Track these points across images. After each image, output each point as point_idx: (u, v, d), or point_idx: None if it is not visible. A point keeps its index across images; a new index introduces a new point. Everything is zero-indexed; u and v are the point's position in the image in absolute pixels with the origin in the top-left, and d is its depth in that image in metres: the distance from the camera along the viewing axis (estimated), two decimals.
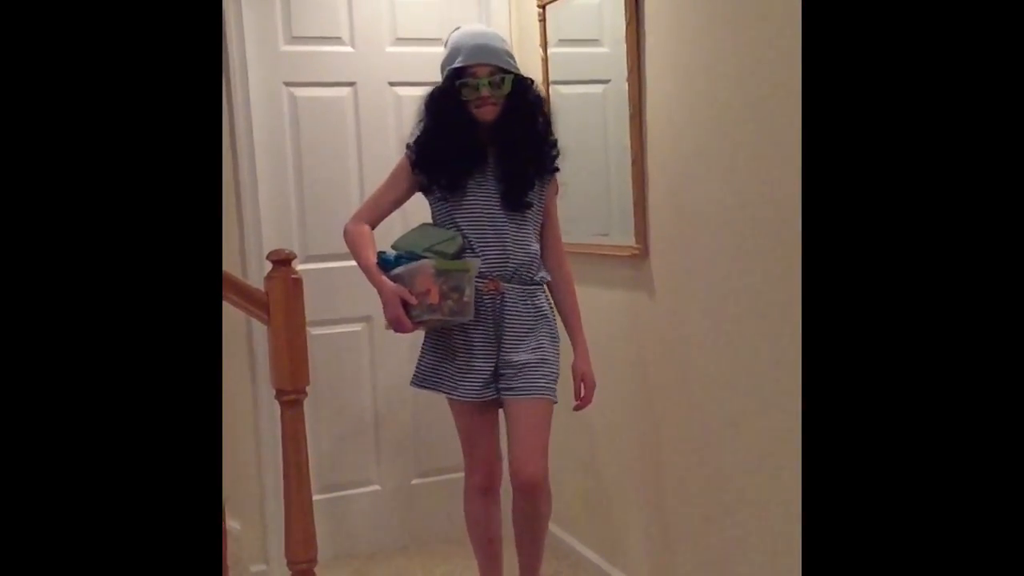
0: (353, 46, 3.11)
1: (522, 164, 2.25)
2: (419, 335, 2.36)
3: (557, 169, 2.33)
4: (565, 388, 2.34)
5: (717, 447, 2.23)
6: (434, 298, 2.14)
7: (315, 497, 2.22)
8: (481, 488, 2.42)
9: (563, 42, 2.87)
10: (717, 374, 2.20)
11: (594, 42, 2.72)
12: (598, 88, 2.66)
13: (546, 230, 2.36)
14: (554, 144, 2.32)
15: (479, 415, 2.33)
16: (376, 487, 3.28)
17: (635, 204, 2.46)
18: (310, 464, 2.17)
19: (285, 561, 2.16)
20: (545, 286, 2.33)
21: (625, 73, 2.44)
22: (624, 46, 2.43)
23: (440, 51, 3.15)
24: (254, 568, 3.00)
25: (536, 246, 2.31)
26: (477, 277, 2.21)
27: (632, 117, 2.44)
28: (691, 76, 2.20)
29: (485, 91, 2.18)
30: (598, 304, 2.71)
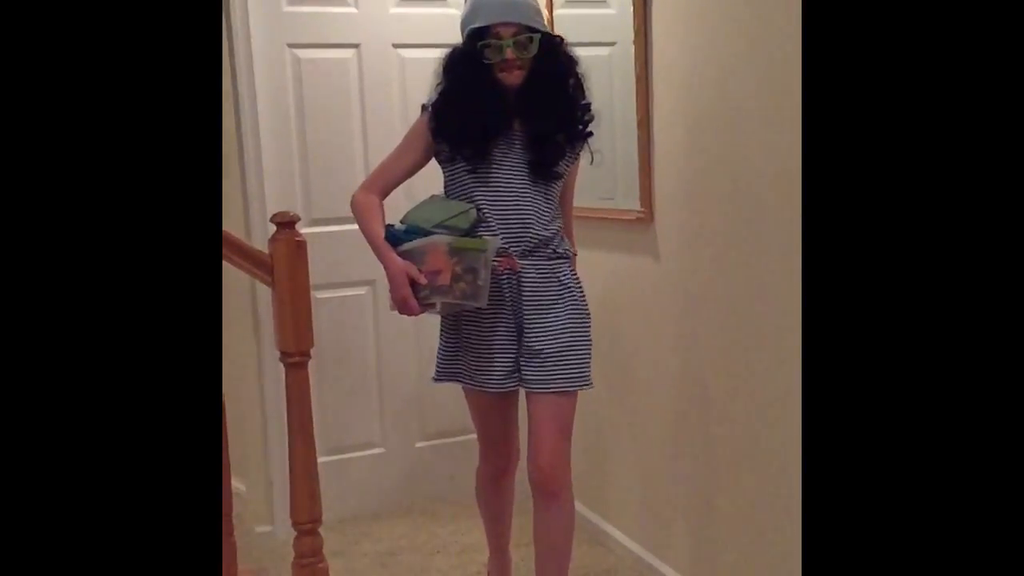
0: (357, 7, 3.08)
1: (552, 131, 2.07)
2: (434, 318, 2.22)
3: (591, 134, 2.15)
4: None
5: (720, 412, 2.23)
6: (445, 279, 1.96)
7: (319, 459, 2.23)
8: (493, 476, 2.32)
9: (570, 3, 2.84)
10: (722, 338, 2.20)
11: (601, 3, 2.69)
12: (604, 51, 2.63)
13: (566, 202, 2.22)
14: (587, 108, 2.13)
15: (497, 406, 2.19)
16: (380, 450, 3.30)
17: (640, 168, 2.45)
18: (314, 426, 2.18)
19: (290, 522, 2.18)
20: (570, 257, 2.16)
21: (631, 35, 2.41)
22: (631, 7, 2.40)
23: (445, 12, 3.14)
24: (259, 529, 3.03)
25: (559, 219, 2.15)
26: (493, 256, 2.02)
27: (638, 80, 2.42)
28: (698, 38, 2.18)
29: (510, 53, 1.98)
30: (603, 268, 2.70)
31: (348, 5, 3.08)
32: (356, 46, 3.10)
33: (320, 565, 2.15)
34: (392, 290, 2.02)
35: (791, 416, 1.95)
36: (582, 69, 2.11)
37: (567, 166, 2.13)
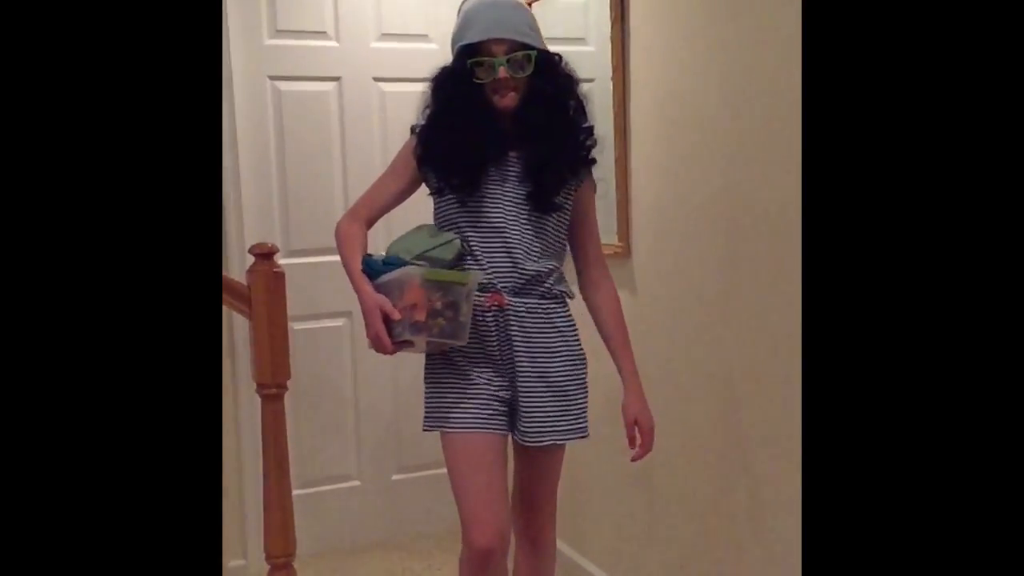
0: (338, 41, 3.11)
1: (551, 158, 1.86)
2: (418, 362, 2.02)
3: (594, 161, 1.95)
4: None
5: (696, 445, 2.24)
6: (420, 314, 1.76)
7: (295, 492, 2.22)
8: (482, 557, 1.84)
9: (549, 40, 2.83)
10: (698, 373, 2.21)
11: (580, 40, 2.72)
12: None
13: (582, 238, 1.99)
14: (590, 132, 1.93)
15: (484, 456, 1.87)
16: (356, 483, 3.27)
17: (618, 203, 2.47)
18: (290, 459, 2.16)
19: (263, 556, 2.16)
20: (568, 300, 1.96)
21: (610, 72, 2.45)
22: (609, 45, 2.44)
23: (425, 47, 3.17)
24: (232, 563, 2.99)
25: (561, 256, 1.95)
26: (477, 290, 1.84)
27: (616, 116, 2.44)
28: (676, 75, 2.21)
29: (503, 72, 1.79)
30: (580, 302, 2.71)
31: (329, 39, 3.10)
32: (337, 79, 3.12)
33: None
34: (366, 326, 1.81)
35: (777, 450, 1.96)
36: (583, 90, 1.93)
37: (567, 197, 1.91)
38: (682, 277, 2.25)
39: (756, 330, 1.97)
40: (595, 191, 2.01)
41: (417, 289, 1.76)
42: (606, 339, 1.99)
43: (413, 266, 1.82)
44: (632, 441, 1.93)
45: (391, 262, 1.86)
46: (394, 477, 3.32)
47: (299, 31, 3.06)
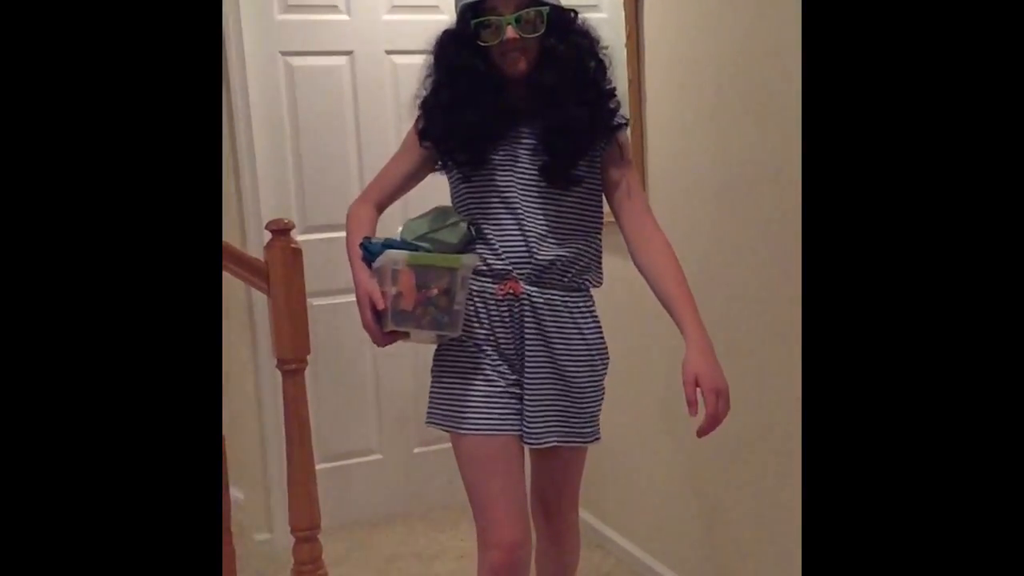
0: (349, 14, 3.09)
1: (567, 126, 1.66)
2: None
3: (620, 125, 1.74)
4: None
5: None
6: (407, 303, 1.63)
7: (317, 466, 2.24)
8: (503, 567, 1.73)
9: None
10: (718, 337, 2.20)
11: (593, 7, 2.69)
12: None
13: (619, 207, 1.76)
14: (611, 94, 1.72)
15: (497, 459, 1.74)
16: (378, 456, 3.30)
17: None
18: (312, 433, 2.18)
19: (289, 529, 2.18)
20: (591, 290, 1.81)
21: (623, 39, 2.42)
22: (622, 11, 2.41)
23: (437, 19, 3.14)
24: (258, 537, 3.03)
25: (588, 238, 1.76)
26: (488, 278, 1.71)
27: (630, 83, 2.42)
28: (690, 41, 2.19)
29: (511, 32, 1.60)
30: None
31: (340, 12, 3.08)
32: (349, 53, 3.11)
33: (319, 572, 2.16)
34: (360, 314, 1.69)
35: (789, 418, 1.96)
36: (605, 49, 1.73)
37: (590, 168, 1.73)
38: (699, 245, 2.23)
39: (770, 299, 1.96)
40: (625, 155, 1.77)
41: (405, 275, 1.63)
42: (663, 298, 1.71)
43: (395, 251, 1.67)
44: (693, 406, 1.58)
45: (390, 244, 1.71)
46: (416, 450, 3.34)
47: (310, 5, 3.04)
